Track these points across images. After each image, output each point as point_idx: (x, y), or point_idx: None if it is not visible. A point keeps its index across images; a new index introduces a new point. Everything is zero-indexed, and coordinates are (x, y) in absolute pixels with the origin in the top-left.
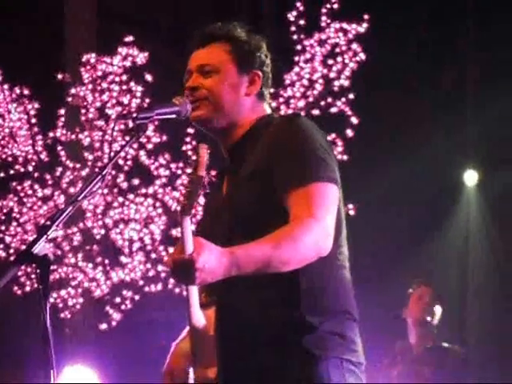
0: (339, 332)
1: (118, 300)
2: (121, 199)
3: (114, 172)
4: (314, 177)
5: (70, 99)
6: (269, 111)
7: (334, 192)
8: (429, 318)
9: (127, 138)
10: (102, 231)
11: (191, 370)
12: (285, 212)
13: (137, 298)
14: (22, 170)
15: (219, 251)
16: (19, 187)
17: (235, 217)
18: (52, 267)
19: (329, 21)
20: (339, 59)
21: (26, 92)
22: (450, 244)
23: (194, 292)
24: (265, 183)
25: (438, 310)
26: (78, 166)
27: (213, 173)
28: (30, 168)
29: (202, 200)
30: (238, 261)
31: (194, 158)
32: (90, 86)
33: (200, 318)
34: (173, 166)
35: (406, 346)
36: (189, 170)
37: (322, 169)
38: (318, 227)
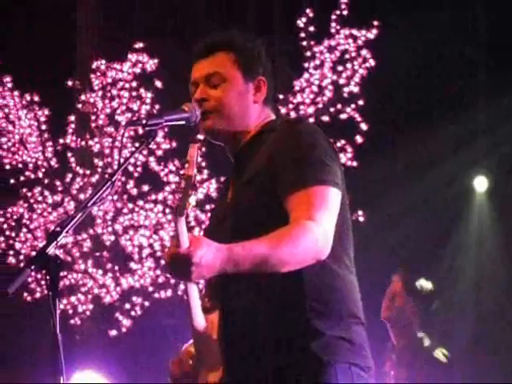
0: (347, 337)
1: (127, 306)
2: (130, 205)
3: (123, 178)
4: (315, 180)
5: (80, 106)
6: (273, 116)
7: (334, 196)
8: (386, 315)
9: (137, 145)
10: (112, 237)
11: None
12: (287, 216)
13: (146, 304)
14: (32, 176)
15: (216, 246)
16: (29, 193)
17: (238, 221)
18: (62, 273)
19: (338, 27)
20: (349, 65)
21: (36, 99)
22: (462, 248)
23: (194, 296)
24: (267, 187)
25: (396, 304)
26: (87, 172)
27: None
28: (40, 174)
29: (193, 199)
30: (235, 257)
31: (185, 158)
32: (100, 93)
33: (201, 321)
34: (182, 172)
35: (391, 342)
36: (198, 177)
37: (324, 172)
38: (318, 230)
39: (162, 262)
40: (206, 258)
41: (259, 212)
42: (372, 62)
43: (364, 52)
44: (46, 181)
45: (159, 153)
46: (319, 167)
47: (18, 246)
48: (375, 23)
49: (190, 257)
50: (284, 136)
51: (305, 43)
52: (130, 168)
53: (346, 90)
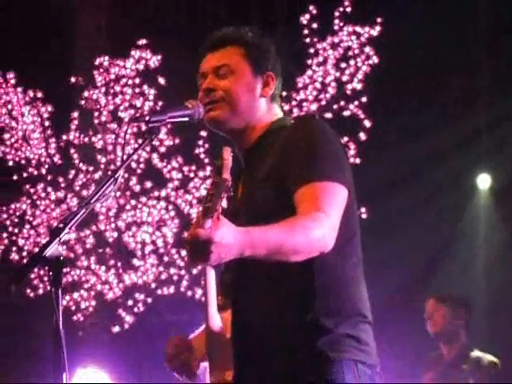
0: (354, 334)
1: (130, 303)
2: (133, 202)
3: (126, 175)
4: (323, 176)
5: (83, 102)
6: (281, 114)
7: (341, 192)
8: (432, 329)
9: (140, 141)
10: (115, 234)
11: (206, 370)
12: None
13: (149, 300)
14: (36, 172)
15: (235, 228)
16: (32, 190)
17: (251, 218)
18: (65, 270)
19: (342, 24)
20: (352, 62)
21: (39, 95)
22: (463, 248)
23: (211, 295)
24: (280, 184)
25: (438, 317)
26: (90, 168)
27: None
28: (43, 171)
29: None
30: (253, 241)
31: (217, 161)
32: (103, 89)
33: (217, 321)
34: (185, 169)
35: (438, 354)
36: (201, 173)
37: (332, 169)
38: (327, 222)
39: (165, 258)
40: (226, 239)
41: (275, 209)
42: (375, 59)
43: (367, 49)
44: (49, 177)
45: (162, 149)
46: (328, 164)
47: (21, 242)
48: (378, 20)
49: (210, 236)
50: (296, 133)
51: (308, 40)
52: (133, 164)
53: (349, 86)
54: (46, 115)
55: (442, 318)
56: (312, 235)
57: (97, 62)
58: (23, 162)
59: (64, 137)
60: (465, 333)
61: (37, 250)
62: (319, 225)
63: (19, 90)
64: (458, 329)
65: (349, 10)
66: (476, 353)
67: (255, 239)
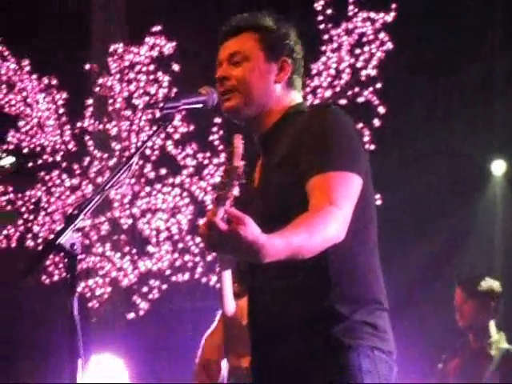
0: (370, 321)
1: (145, 289)
2: (148, 189)
3: (141, 162)
4: (337, 166)
5: (97, 89)
6: (300, 100)
7: (355, 182)
8: (460, 322)
9: (154, 128)
10: (130, 221)
11: (224, 362)
12: None
13: (164, 287)
14: (50, 159)
15: (261, 233)
16: (47, 177)
17: (267, 204)
18: (80, 257)
19: (356, 10)
20: (366, 48)
21: (54, 82)
22: (480, 234)
23: (227, 281)
24: (295, 170)
25: (467, 311)
26: (105, 155)
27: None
28: (58, 158)
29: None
30: (274, 253)
31: (229, 148)
32: (118, 76)
33: (232, 307)
34: (200, 155)
35: (465, 341)
36: (215, 160)
37: (345, 159)
38: (339, 216)
39: (180, 245)
40: (250, 235)
41: (289, 195)
42: (390, 45)
43: (382, 35)
44: (64, 164)
45: (177, 136)
46: (342, 153)
47: (36, 229)
48: (393, 6)
49: (242, 225)
50: (312, 120)
51: (322, 26)
52: (148, 151)
53: (363, 73)
54: (60, 102)
55: (470, 312)
56: (326, 234)
57: (111, 49)
58: (38, 149)
59: (79, 124)
60: (493, 322)
61: (52, 236)
62: (333, 221)
63: (34, 77)
64: (485, 321)
65: None
66: (505, 344)
67: (276, 250)
